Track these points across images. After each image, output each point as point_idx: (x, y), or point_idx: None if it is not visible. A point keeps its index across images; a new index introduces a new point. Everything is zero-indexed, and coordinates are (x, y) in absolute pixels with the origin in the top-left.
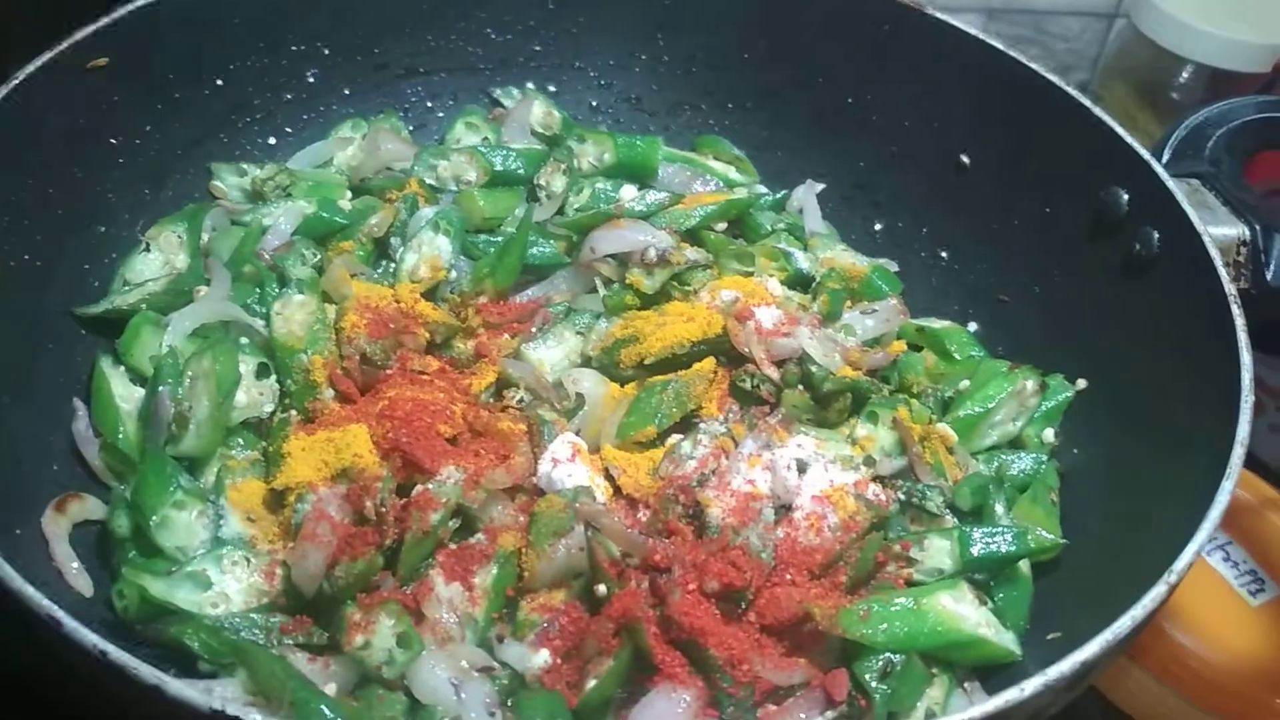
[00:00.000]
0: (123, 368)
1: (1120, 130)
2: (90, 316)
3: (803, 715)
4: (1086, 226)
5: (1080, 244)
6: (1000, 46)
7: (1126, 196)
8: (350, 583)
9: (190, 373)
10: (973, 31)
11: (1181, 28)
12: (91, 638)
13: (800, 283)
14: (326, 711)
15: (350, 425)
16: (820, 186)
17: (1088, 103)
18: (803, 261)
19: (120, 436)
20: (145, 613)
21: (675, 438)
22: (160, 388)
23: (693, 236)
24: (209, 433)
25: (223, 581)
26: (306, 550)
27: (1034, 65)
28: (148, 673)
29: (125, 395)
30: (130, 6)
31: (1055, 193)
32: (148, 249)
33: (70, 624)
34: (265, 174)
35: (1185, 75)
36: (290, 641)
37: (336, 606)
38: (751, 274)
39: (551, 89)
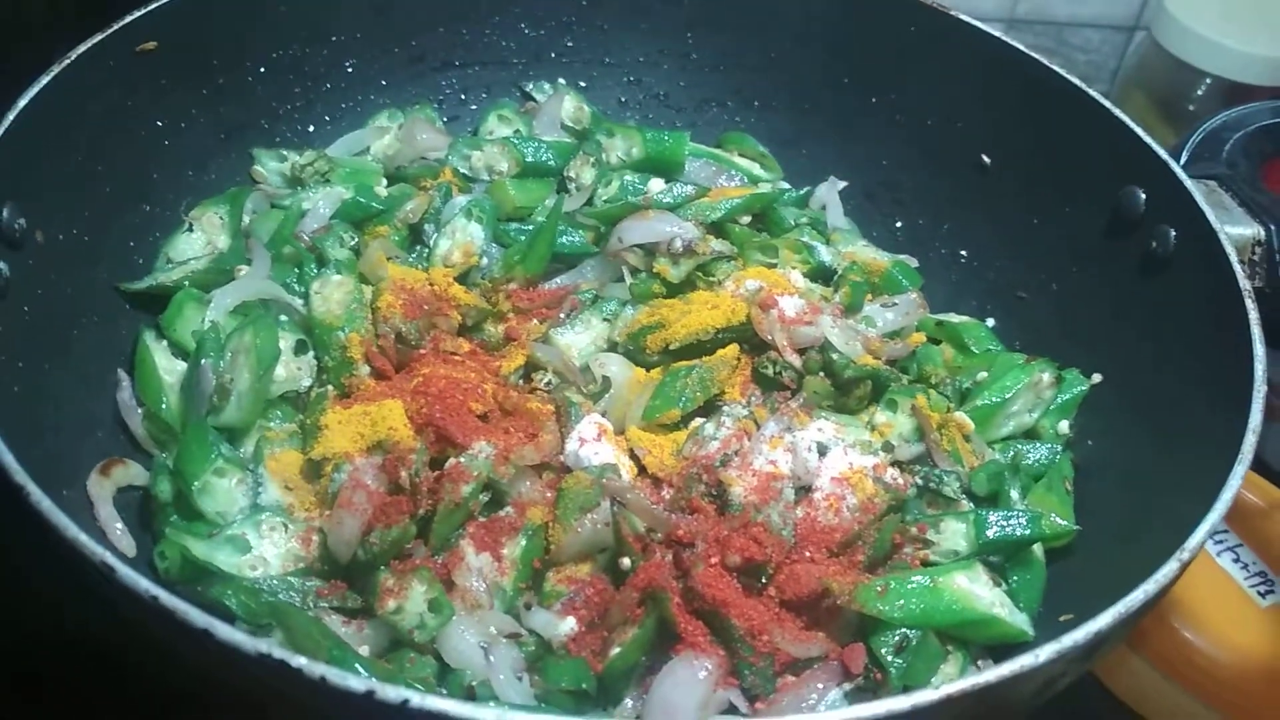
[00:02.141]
0: (165, 341)
1: (1139, 131)
2: (134, 292)
3: (820, 686)
4: (1104, 225)
5: (1098, 242)
6: (1022, 48)
7: (1144, 196)
8: (384, 549)
9: (232, 347)
10: (996, 33)
11: (1200, 41)
12: (144, 583)
13: (822, 276)
14: (361, 670)
15: (385, 400)
16: (843, 184)
17: (1108, 104)
18: (825, 255)
19: (163, 407)
20: (186, 573)
21: (698, 421)
22: (203, 361)
23: (717, 229)
24: (249, 405)
25: (261, 546)
26: (343, 517)
27: (1055, 66)
28: (198, 617)
29: (168, 368)
30: None
31: (1074, 192)
32: (191, 229)
33: (123, 570)
34: (304, 160)
35: (1203, 88)
36: (326, 604)
37: (370, 572)
38: (775, 266)
39: (582, 84)
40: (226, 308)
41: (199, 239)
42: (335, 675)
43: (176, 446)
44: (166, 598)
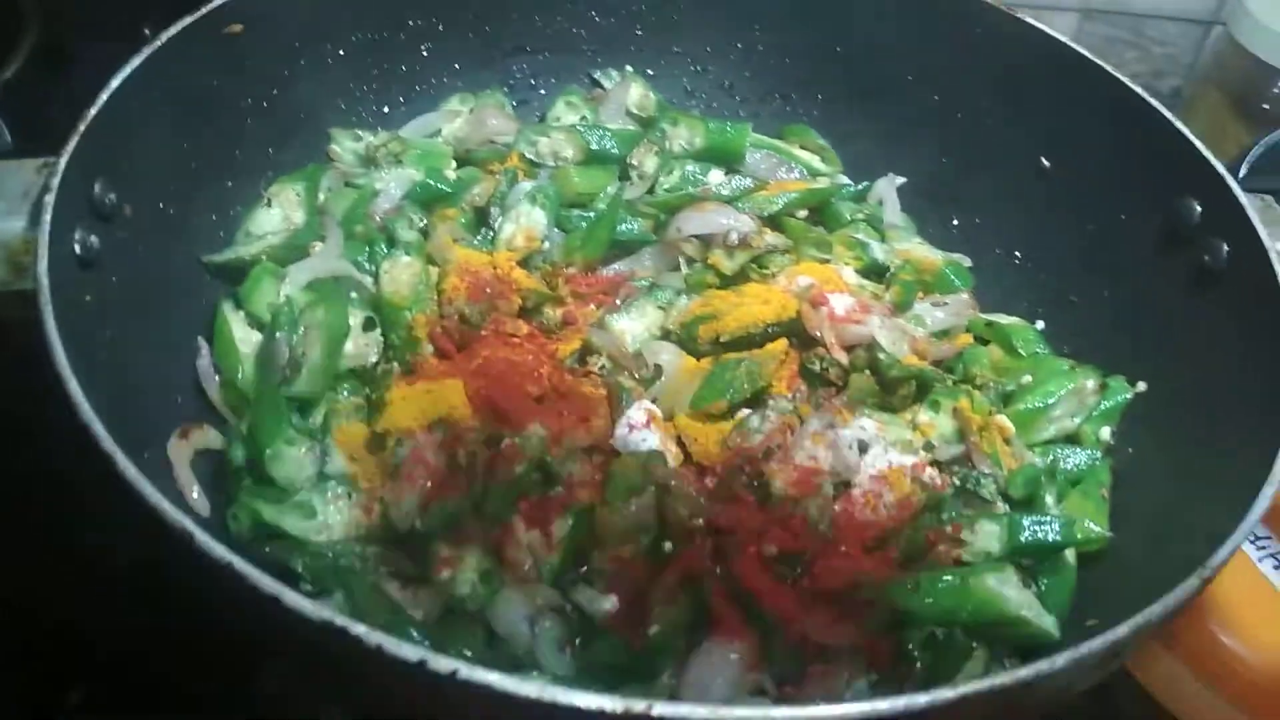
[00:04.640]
0: (243, 313)
1: (1197, 143)
2: (215, 264)
3: (848, 676)
4: (1159, 235)
5: (1151, 252)
6: (1087, 54)
7: (1199, 208)
8: (440, 521)
9: (305, 322)
10: (1061, 38)
11: (1278, 39)
12: (219, 549)
13: (875, 272)
14: (415, 634)
15: (447, 379)
16: (901, 180)
17: (1168, 114)
18: (878, 253)
19: (239, 376)
20: (256, 535)
21: (745, 412)
22: (278, 334)
23: (774, 222)
24: (319, 377)
25: (326, 512)
26: (403, 489)
27: (1118, 74)
28: (268, 583)
29: (244, 338)
30: None
31: (1131, 200)
32: (269, 204)
33: (202, 536)
34: (379, 141)
35: (1279, 87)
36: (385, 570)
37: (427, 542)
38: (828, 261)
39: (649, 72)
40: (301, 283)
41: (277, 214)
42: (390, 644)
43: (250, 414)
44: (240, 564)
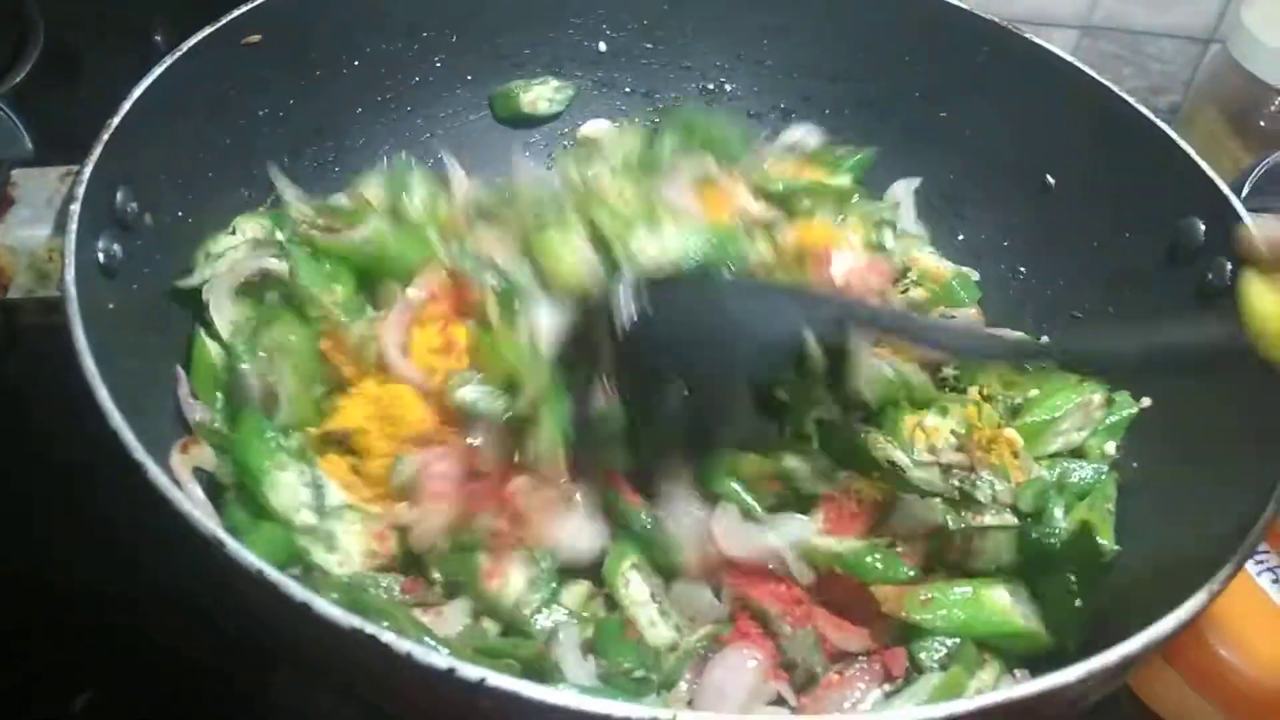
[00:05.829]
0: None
1: (1202, 163)
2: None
3: (862, 685)
4: (1163, 253)
5: (1155, 269)
6: (1093, 74)
7: (1203, 227)
8: (476, 537)
9: (263, 346)
10: (1068, 58)
11: (1275, 56)
12: (249, 556)
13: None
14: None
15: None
16: (917, 181)
17: (1173, 133)
18: (889, 241)
19: (216, 407)
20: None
21: None
22: (241, 365)
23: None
24: (301, 404)
25: (345, 542)
26: (430, 507)
27: (1123, 94)
28: (298, 590)
29: (224, 365)
30: None
31: (1135, 218)
32: (233, 231)
33: (232, 544)
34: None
35: (1276, 104)
36: (409, 600)
37: (441, 562)
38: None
39: (661, 89)
40: (225, 291)
41: (238, 237)
42: (420, 651)
43: (235, 445)
44: (270, 571)
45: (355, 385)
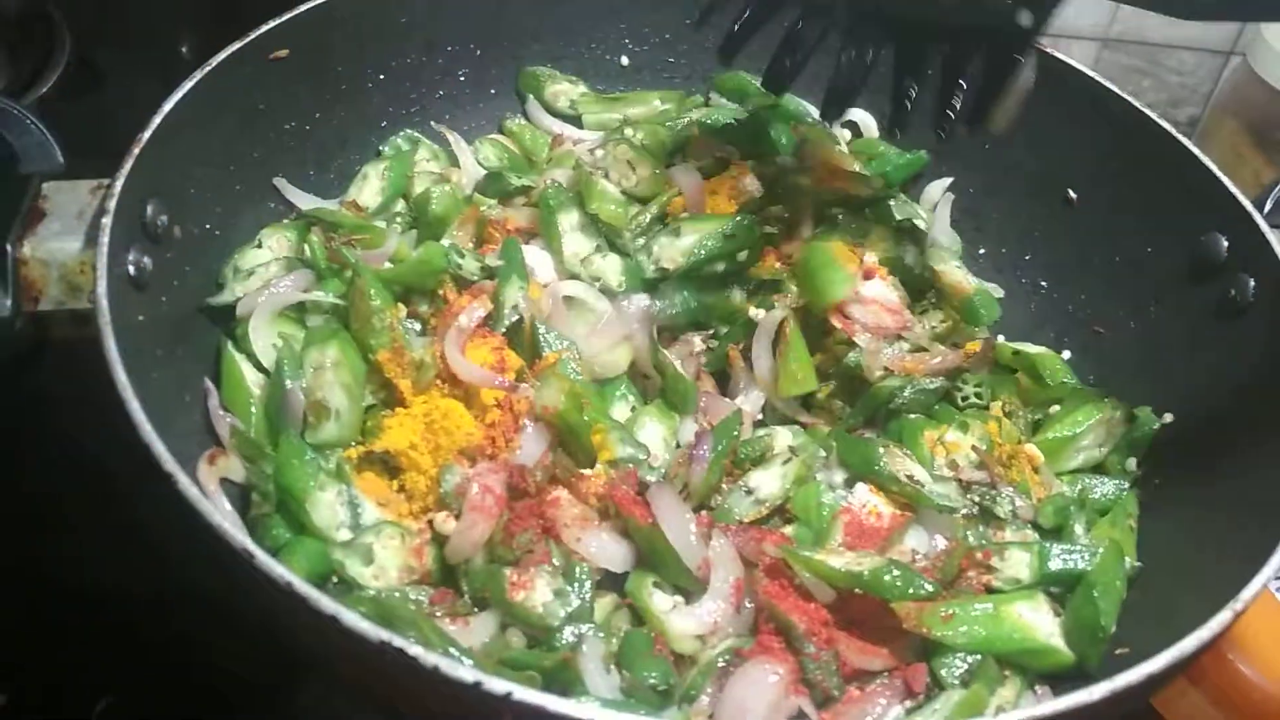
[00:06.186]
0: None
1: (1224, 179)
2: (215, 307)
3: (883, 701)
4: (1186, 268)
5: (1178, 285)
6: (1115, 89)
7: (1226, 243)
8: (517, 551)
9: (311, 363)
10: (1091, 74)
11: None
12: (279, 569)
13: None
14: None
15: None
16: (949, 180)
17: (1196, 150)
18: (909, 258)
19: (251, 422)
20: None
21: None
22: (287, 381)
23: None
24: (350, 423)
25: (382, 556)
26: (475, 520)
27: (1146, 110)
28: (328, 604)
29: (255, 381)
30: (311, 4)
31: (1158, 233)
32: (259, 245)
33: (263, 557)
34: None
35: None
36: (438, 611)
37: (473, 575)
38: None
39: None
40: (268, 315)
41: (265, 253)
42: (447, 665)
43: (275, 464)
44: (300, 584)
45: (410, 402)
